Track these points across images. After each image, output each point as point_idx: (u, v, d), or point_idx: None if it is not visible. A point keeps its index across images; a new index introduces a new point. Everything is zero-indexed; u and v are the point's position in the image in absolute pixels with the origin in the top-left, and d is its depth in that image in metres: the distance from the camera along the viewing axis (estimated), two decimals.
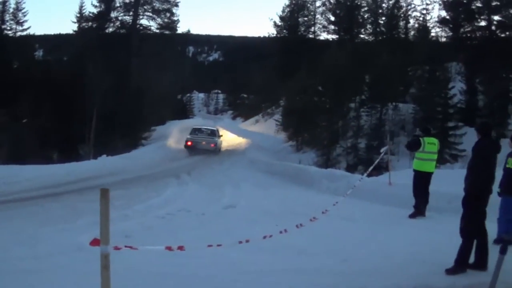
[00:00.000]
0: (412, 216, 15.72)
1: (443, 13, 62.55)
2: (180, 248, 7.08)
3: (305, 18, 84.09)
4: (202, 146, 44.77)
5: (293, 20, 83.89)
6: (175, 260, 9.30)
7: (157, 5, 68.22)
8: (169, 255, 8.63)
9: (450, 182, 18.03)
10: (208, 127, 52.77)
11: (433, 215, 15.58)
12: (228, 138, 60.95)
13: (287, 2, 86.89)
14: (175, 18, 69.65)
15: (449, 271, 9.29)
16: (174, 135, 62.14)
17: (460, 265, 9.31)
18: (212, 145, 45.47)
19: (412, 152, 18.13)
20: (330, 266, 9.92)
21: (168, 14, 68.83)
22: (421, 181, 16.01)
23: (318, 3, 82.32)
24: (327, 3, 79.32)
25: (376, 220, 15.55)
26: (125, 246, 6.33)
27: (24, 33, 64.63)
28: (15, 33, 63.80)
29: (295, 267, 9.78)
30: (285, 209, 17.35)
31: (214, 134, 47.89)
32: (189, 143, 45.05)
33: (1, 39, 62.38)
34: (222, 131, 54.26)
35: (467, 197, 9.45)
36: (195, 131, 47.97)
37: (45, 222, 13.87)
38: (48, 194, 20.00)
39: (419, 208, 15.84)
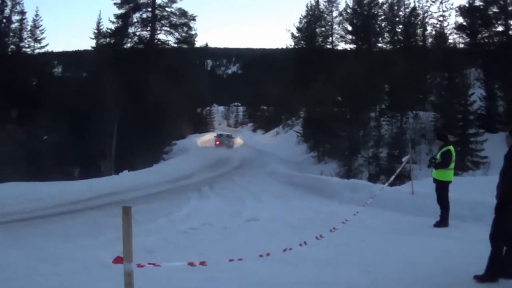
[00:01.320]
0: (438, 225, 15.47)
1: (460, 20, 62.50)
2: (202, 263, 7.06)
3: (322, 29, 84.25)
4: (225, 144, 70.43)
5: (310, 30, 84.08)
6: (198, 275, 9.25)
7: (174, 19, 68.52)
8: (191, 270, 8.57)
9: (472, 190, 17.93)
10: (226, 133, 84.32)
11: (456, 224, 15.38)
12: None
13: (304, 13, 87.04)
14: (193, 32, 70.03)
15: (478, 278, 9.14)
16: (195, 149, 62.58)
17: (490, 273, 9.14)
18: (231, 143, 72.22)
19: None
20: (353, 277, 9.82)
21: (185, 29, 69.13)
22: (447, 191, 15.80)
23: (335, 13, 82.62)
24: (344, 13, 79.61)
25: (398, 229, 15.39)
26: (148, 263, 6.31)
27: (42, 50, 64.95)
28: (33, 50, 64.15)
29: (318, 279, 9.72)
30: (308, 221, 17.24)
31: (231, 137, 76.54)
32: (217, 142, 71.88)
33: (19, 56, 62.77)
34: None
35: (499, 204, 9.30)
36: (219, 136, 77.17)
37: (67, 238, 13.88)
38: (70, 210, 20.02)
39: (446, 219, 15.61)
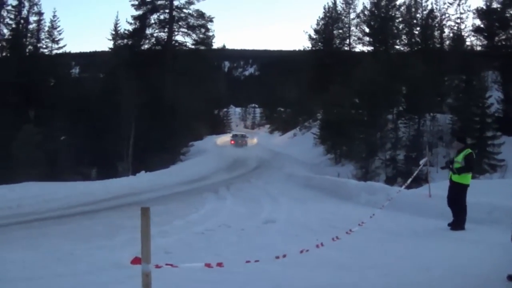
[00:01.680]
0: (455, 228, 15.22)
1: (478, 22, 62.42)
2: (219, 264, 7.05)
3: (340, 31, 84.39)
4: (239, 144, 78.15)
5: (327, 33, 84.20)
6: (215, 276, 9.24)
7: (192, 21, 68.52)
8: (208, 271, 8.55)
9: (489, 193, 17.79)
10: (240, 133, 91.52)
11: (473, 227, 15.20)
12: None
13: (322, 15, 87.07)
14: (210, 34, 69.94)
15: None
16: (212, 150, 62.68)
17: None
18: (244, 142, 79.97)
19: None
20: (369, 280, 9.78)
21: (203, 30, 69.10)
22: (466, 194, 15.54)
23: (352, 15, 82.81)
24: (361, 15, 79.62)
25: (415, 232, 15.24)
26: (166, 264, 6.32)
27: (60, 51, 64.99)
28: (51, 51, 64.19)
29: (335, 281, 9.69)
30: (324, 223, 17.15)
31: (245, 137, 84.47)
32: (232, 142, 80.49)
33: (37, 57, 62.95)
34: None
35: None
36: (234, 136, 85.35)
37: (84, 239, 13.91)
38: (87, 211, 20.11)
39: (463, 222, 15.38)
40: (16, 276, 9.86)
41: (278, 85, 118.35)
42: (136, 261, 5.75)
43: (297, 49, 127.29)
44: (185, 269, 8.63)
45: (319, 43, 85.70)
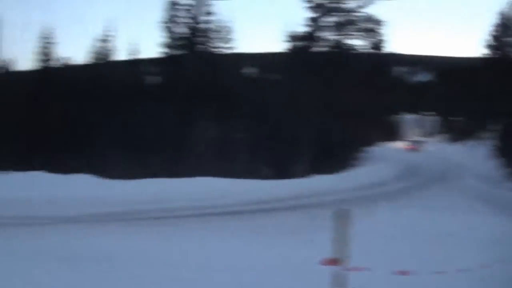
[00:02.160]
0: None
1: None
2: (408, 273, 7.13)
3: None
4: (414, 151, 78.95)
5: (505, 40, 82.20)
6: (404, 284, 9.23)
7: (366, 25, 68.17)
8: (398, 278, 8.60)
9: None
10: (416, 140, 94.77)
11: None
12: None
13: (497, 21, 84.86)
14: (385, 38, 69.33)
15: None
16: (386, 156, 62.57)
17: None
18: (420, 149, 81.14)
19: None
20: None
21: (377, 34, 68.52)
22: None
23: None
24: None
25: None
26: (359, 268, 6.44)
27: (235, 51, 65.81)
28: (224, 51, 65.20)
29: None
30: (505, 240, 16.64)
31: (420, 143, 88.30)
32: (408, 148, 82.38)
33: (215, 56, 64.23)
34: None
35: None
36: (410, 142, 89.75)
37: (268, 235, 14.28)
38: (267, 208, 20.61)
39: None
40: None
41: (454, 93, 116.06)
42: (329, 262, 5.90)
43: (474, 56, 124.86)
44: (376, 274, 8.73)
45: (497, 51, 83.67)
